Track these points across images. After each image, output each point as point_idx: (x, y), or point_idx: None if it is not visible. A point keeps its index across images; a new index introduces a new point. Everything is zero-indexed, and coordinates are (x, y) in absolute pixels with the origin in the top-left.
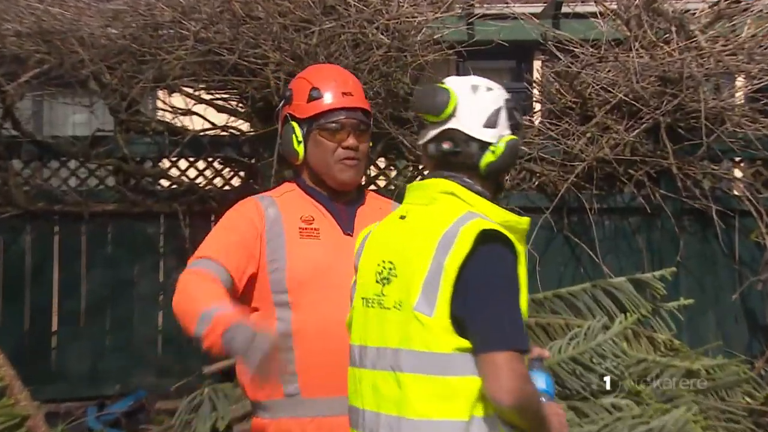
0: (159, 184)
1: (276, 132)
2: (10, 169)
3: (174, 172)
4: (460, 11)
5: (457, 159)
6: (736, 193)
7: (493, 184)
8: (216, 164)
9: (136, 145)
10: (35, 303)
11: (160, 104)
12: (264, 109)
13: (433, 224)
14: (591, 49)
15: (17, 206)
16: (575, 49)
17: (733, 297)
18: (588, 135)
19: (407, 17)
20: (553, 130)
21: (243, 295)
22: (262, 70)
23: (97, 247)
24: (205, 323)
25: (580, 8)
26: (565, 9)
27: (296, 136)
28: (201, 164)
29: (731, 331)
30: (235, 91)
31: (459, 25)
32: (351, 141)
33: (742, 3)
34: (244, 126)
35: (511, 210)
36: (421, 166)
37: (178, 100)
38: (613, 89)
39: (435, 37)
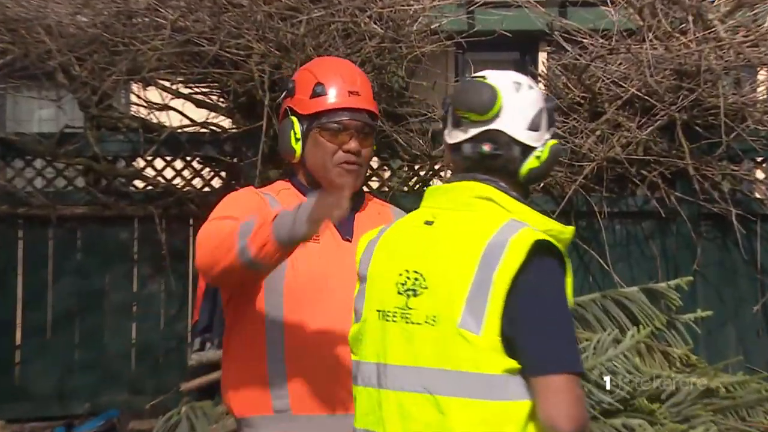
0: (133, 186)
1: (260, 129)
2: None
3: (149, 172)
4: None
5: (495, 162)
6: (757, 195)
7: (524, 190)
8: (195, 164)
9: (108, 143)
10: None
11: (134, 99)
12: (247, 104)
13: (472, 232)
14: (601, 40)
15: None
16: (584, 40)
17: (754, 309)
18: (598, 133)
19: (402, 5)
20: (559, 128)
21: (232, 299)
22: (245, 62)
23: (65, 254)
24: (247, 231)
25: None
26: None
27: (295, 133)
28: (179, 164)
29: (752, 346)
30: (215, 84)
31: (458, 13)
32: (353, 144)
33: None
34: (226, 122)
35: None
36: (417, 167)
37: (153, 95)
38: (625, 83)
39: (432, 26)
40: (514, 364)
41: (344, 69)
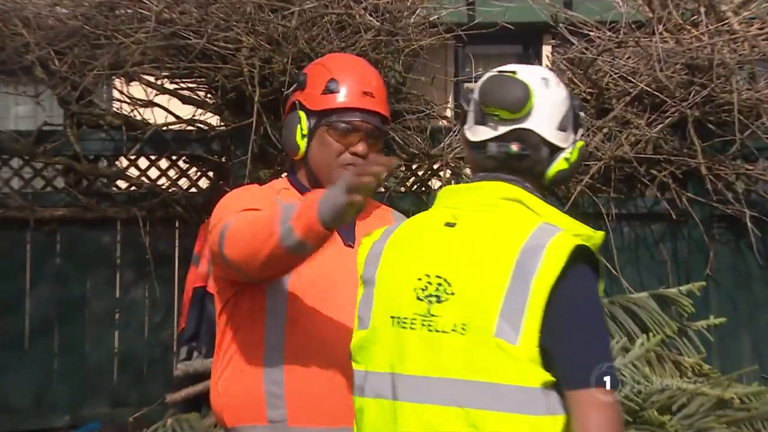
0: (115, 186)
1: (250, 127)
2: None
3: (133, 172)
4: None
5: (521, 163)
6: None
7: (547, 191)
8: (181, 163)
9: (90, 142)
10: None
11: (116, 94)
12: (236, 100)
13: (502, 236)
14: (608, 33)
15: None
16: (590, 33)
17: None
18: (605, 130)
19: None
20: None
21: (228, 303)
22: (233, 55)
23: (44, 259)
24: (289, 214)
25: None
26: None
27: (301, 128)
28: (164, 163)
29: None
30: (202, 79)
31: (458, 5)
32: (361, 147)
33: None
34: (214, 120)
35: None
36: (415, 166)
37: (137, 90)
38: (634, 78)
39: (431, 18)
40: (549, 376)
41: (360, 68)
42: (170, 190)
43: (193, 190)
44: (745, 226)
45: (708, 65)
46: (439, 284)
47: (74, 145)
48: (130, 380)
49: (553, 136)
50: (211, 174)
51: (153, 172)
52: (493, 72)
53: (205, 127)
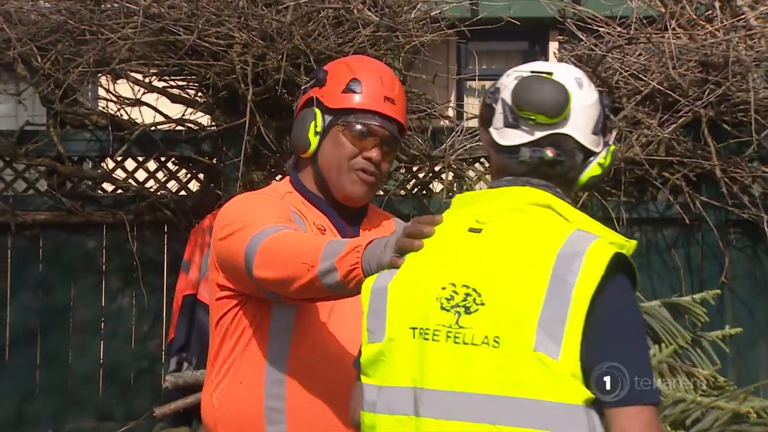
0: (101, 189)
1: (243, 127)
2: None
3: (119, 174)
4: None
5: (554, 169)
6: None
7: (575, 196)
8: (170, 165)
9: (74, 142)
10: None
11: (102, 93)
12: (228, 99)
13: (534, 243)
14: (618, 29)
15: None
16: (599, 29)
17: None
18: (615, 131)
19: None
20: None
21: (229, 313)
22: (225, 52)
23: (26, 265)
24: (334, 251)
25: None
26: None
27: (315, 125)
28: (152, 165)
29: None
30: (193, 77)
31: None
32: (375, 153)
33: None
34: (204, 119)
35: None
36: (415, 168)
37: (124, 89)
38: (645, 76)
39: (432, 13)
40: (590, 393)
41: (384, 73)
42: (159, 193)
43: (183, 193)
44: (762, 231)
45: (723, 63)
46: (467, 294)
47: (58, 145)
48: (116, 393)
49: (588, 140)
50: (201, 176)
51: (140, 174)
52: (526, 72)
53: (196, 127)
